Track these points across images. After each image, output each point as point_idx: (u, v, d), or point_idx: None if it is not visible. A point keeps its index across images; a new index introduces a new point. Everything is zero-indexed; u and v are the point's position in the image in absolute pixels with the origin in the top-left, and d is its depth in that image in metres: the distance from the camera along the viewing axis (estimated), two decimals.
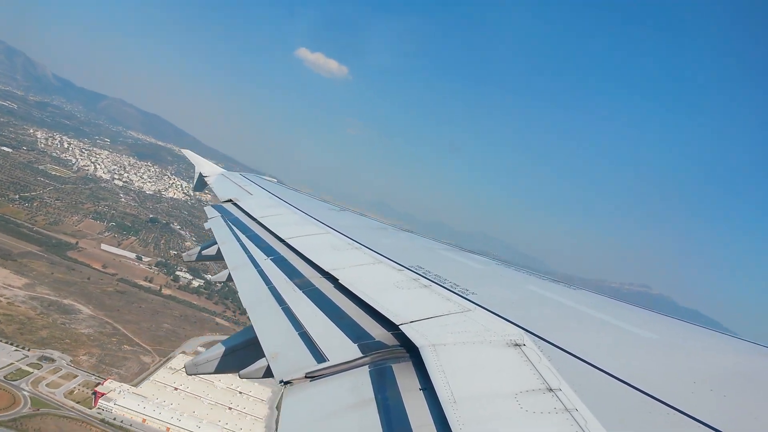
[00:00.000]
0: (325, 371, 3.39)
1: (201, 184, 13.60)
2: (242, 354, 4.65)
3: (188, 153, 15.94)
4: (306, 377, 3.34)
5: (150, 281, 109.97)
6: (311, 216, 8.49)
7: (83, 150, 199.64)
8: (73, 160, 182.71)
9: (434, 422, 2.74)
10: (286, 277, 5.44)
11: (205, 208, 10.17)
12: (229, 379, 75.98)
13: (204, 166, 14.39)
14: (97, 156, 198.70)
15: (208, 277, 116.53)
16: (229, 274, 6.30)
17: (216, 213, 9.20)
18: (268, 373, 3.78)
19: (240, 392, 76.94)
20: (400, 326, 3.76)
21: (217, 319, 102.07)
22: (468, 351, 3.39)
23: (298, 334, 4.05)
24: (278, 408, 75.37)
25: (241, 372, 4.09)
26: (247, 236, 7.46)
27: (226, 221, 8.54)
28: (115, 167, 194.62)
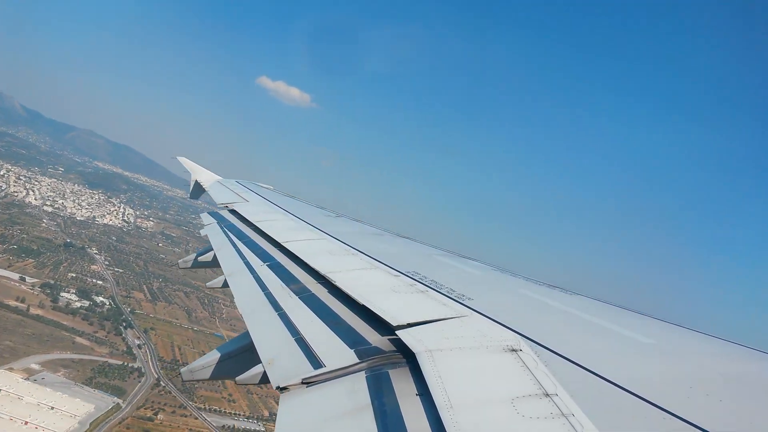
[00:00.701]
0: (322, 377, 3.37)
1: (197, 191, 13.58)
2: (238, 360, 4.63)
3: (183, 160, 15.92)
4: (302, 383, 3.33)
5: (22, 301, 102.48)
6: (307, 222, 8.49)
7: (20, 177, 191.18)
8: (3, 186, 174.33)
9: (431, 428, 2.73)
10: (282, 283, 5.44)
11: (201, 214, 10.16)
12: (45, 395, 74.05)
13: (200, 173, 14.36)
14: (35, 183, 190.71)
15: (100, 299, 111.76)
16: (225, 280, 6.28)
17: (212, 219, 9.19)
18: (264, 379, 3.77)
19: (52, 407, 73.03)
20: (396, 332, 3.76)
21: (78, 339, 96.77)
22: (464, 356, 3.39)
23: (294, 339, 4.03)
24: (97, 422, 72.41)
25: (238, 378, 4.08)
26: (243, 242, 7.45)
27: (221, 227, 8.53)
28: (52, 194, 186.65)
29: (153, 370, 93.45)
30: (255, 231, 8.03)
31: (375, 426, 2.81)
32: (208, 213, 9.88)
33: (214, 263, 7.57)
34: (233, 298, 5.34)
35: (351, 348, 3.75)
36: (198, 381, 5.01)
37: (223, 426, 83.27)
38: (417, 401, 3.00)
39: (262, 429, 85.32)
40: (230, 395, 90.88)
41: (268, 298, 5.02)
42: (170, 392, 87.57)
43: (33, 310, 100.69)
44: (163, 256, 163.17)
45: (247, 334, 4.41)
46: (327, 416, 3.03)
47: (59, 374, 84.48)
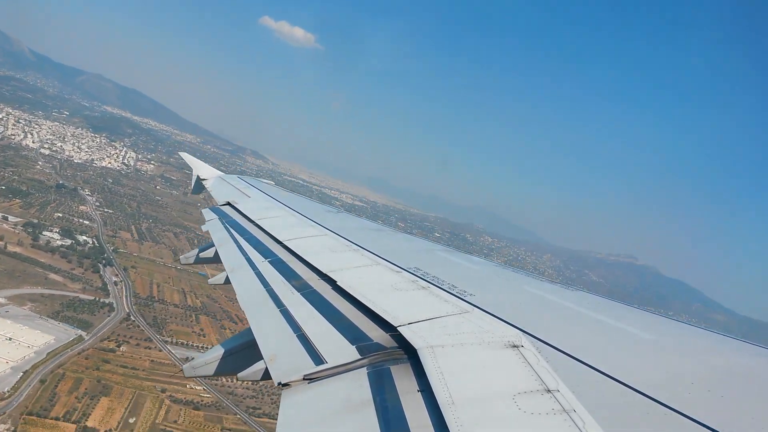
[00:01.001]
0: (323, 373, 3.38)
1: (198, 187, 13.59)
2: (241, 356, 4.65)
3: (185, 156, 15.91)
4: (304, 379, 3.34)
5: (1, 239, 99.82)
6: (309, 218, 8.50)
7: (20, 120, 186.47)
8: (1, 129, 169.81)
9: (432, 424, 2.74)
10: (283, 279, 5.44)
11: (202, 210, 10.17)
12: (5, 327, 73.35)
13: (201, 168, 14.37)
14: (35, 126, 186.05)
15: (83, 238, 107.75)
16: (227, 276, 6.29)
17: (213, 215, 9.20)
18: (266, 375, 3.78)
19: (9, 338, 72.19)
20: (398, 328, 3.76)
21: (51, 275, 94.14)
22: (466, 352, 3.40)
23: (296, 336, 4.04)
24: (55, 353, 71.52)
25: (239, 374, 4.09)
26: (244, 238, 7.46)
27: (223, 223, 8.54)
28: (52, 137, 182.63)
29: (125, 305, 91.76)
30: (257, 227, 8.04)
31: (377, 422, 2.82)
32: (210, 208, 9.89)
33: (216, 259, 7.59)
34: (236, 294, 5.35)
35: (353, 344, 3.76)
36: (201, 378, 5.02)
37: (187, 357, 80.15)
38: (418, 397, 3.01)
39: None
40: (201, 330, 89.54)
41: (270, 295, 5.03)
42: (139, 326, 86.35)
43: (10, 248, 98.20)
44: (159, 198, 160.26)
45: (249, 331, 4.42)
46: (328, 412, 3.04)
47: (25, 308, 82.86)
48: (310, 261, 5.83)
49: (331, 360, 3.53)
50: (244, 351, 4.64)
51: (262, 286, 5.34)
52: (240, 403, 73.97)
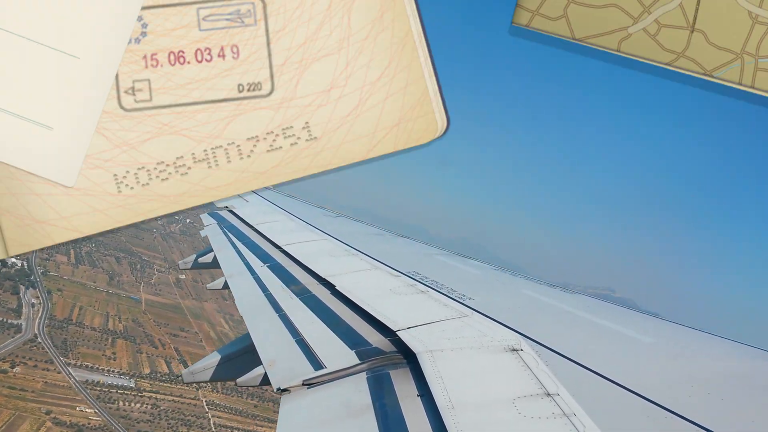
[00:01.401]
0: (322, 378, 3.38)
1: None
2: (239, 361, 4.64)
3: None
4: (303, 384, 3.33)
5: None
6: (308, 222, 8.49)
7: None
8: None
9: (432, 429, 2.73)
10: (282, 284, 5.44)
11: (201, 215, 10.15)
12: None
13: None
14: None
15: (12, 260, 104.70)
16: (226, 281, 6.28)
17: (212, 220, 9.19)
18: (265, 381, 3.77)
19: None
20: (397, 332, 3.76)
21: None
22: (465, 357, 3.39)
23: (295, 341, 4.04)
24: None
25: (239, 380, 4.08)
26: (243, 243, 7.45)
27: (222, 228, 8.53)
28: None
29: (34, 327, 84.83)
30: (255, 232, 8.03)
31: (376, 427, 2.81)
32: (208, 214, 9.87)
33: (215, 264, 7.57)
34: (234, 299, 5.35)
35: (352, 349, 3.75)
36: (199, 383, 5.01)
37: (86, 380, 76.28)
38: (418, 402, 3.00)
39: (132, 384, 77.83)
40: (114, 353, 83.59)
41: (268, 300, 5.03)
42: (44, 347, 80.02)
43: None
44: None
45: (248, 336, 4.41)
46: (328, 418, 3.03)
47: None
48: (308, 265, 5.82)
49: (330, 365, 3.52)
50: (243, 356, 4.63)
51: (260, 291, 5.33)
52: (131, 426, 70.08)
